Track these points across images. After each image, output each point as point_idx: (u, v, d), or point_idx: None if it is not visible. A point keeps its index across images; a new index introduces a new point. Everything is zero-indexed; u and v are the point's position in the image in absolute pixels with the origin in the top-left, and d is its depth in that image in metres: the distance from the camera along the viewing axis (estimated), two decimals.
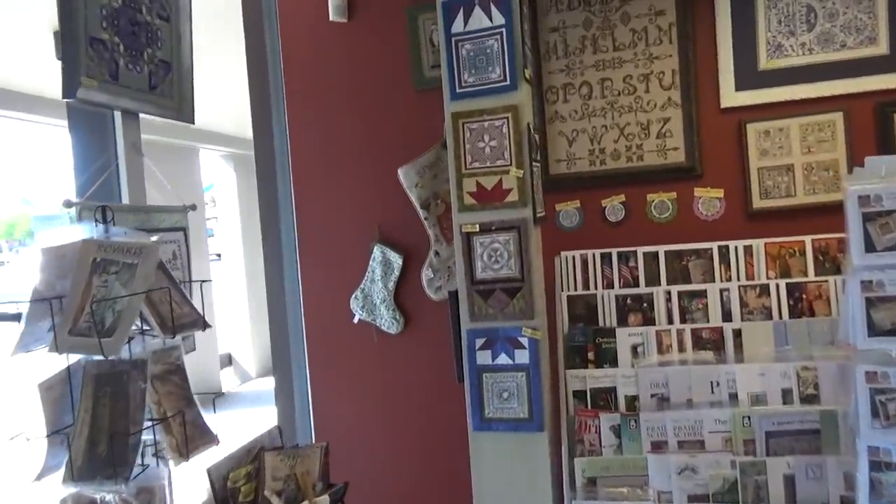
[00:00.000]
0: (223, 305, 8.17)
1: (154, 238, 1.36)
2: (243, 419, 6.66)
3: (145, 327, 1.30)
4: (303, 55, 2.61)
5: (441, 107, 2.02)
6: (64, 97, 1.53)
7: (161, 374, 1.30)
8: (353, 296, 2.56)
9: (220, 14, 3.53)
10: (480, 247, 1.98)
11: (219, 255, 8.54)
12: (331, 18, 2.51)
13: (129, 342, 1.23)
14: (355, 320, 2.57)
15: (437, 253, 2.43)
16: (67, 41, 1.51)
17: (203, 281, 1.46)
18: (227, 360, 8.37)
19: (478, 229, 1.97)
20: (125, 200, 1.69)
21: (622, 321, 2.13)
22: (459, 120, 1.99)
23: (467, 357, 2.00)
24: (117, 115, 1.70)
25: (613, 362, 2.08)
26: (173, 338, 1.25)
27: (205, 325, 1.34)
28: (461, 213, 1.99)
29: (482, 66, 1.96)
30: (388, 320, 2.51)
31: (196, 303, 1.41)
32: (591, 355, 2.11)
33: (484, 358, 1.98)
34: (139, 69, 1.73)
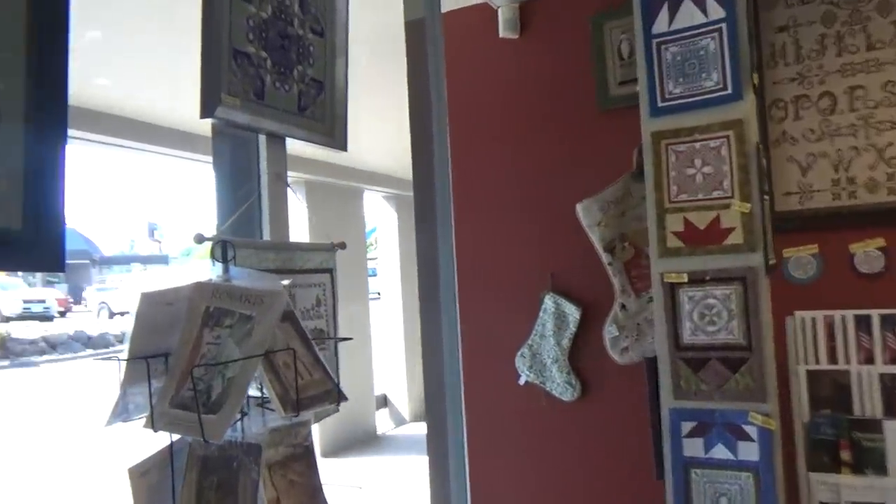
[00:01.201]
0: (380, 345, 8.15)
1: (285, 282, 1.08)
2: (397, 467, 6.44)
3: (265, 395, 1.01)
4: (468, 78, 2.34)
5: (630, 129, 1.63)
6: (202, 116, 1.33)
7: (283, 461, 1.00)
8: (520, 353, 2.18)
9: (384, 53, 3.42)
10: (689, 302, 1.52)
11: (378, 294, 8.60)
12: (500, 35, 2.22)
13: (241, 419, 0.94)
14: (521, 381, 2.18)
15: (623, 306, 1.99)
16: (209, 53, 1.32)
17: (341, 339, 1.16)
18: (383, 402, 8.30)
19: (686, 280, 1.53)
20: (266, 236, 1.47)
21: (891, 411, 1.55)
22: (662, 141, 1.57)
23: (670, 446, 1.53)
24: (261, 139, 1.50)
25: (880, 468, 1.51)
26: (297, 415, 0.95)
27: (339, 398, 1.02)
28: (663, 258, 1.56)
29: (693, 72, 1.54)
30: (560, 384, 2.10)
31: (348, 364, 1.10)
32: (845, 455, 1.55)
33: (693, 449, 1.51)
34: (287, 88, 1.51)
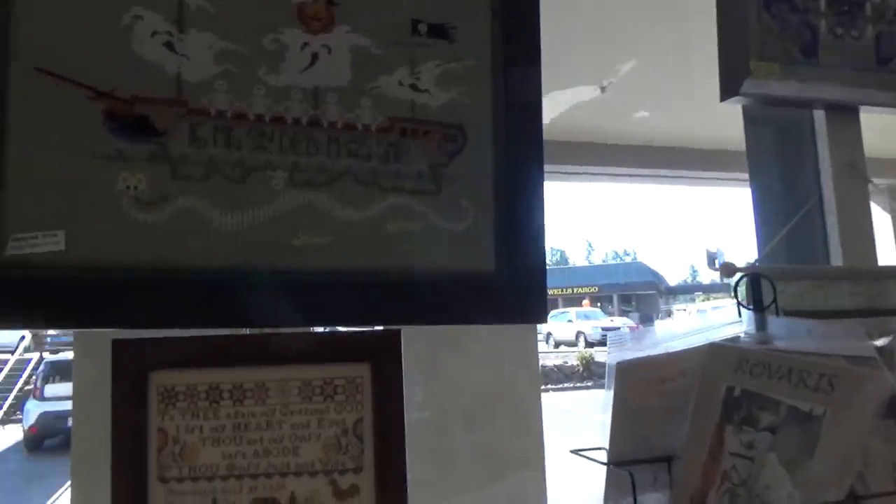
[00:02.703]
0: None
1: (881, 342, 0.60)
2: None
3: None
4: None
5: None
6: (723, 98, 0.96)
7: None
8: None
9: None
10: None
11: None
12: None
13: None
14: None
15: None
16: (727, 6, 0.94)
17: None
18: None
19: None
20: (836, 259, 0.97)
21: None
22: None
23: None
24: (818, 116, 1.02)
25: None
26: None
27: None
28: None
29: None
30: None
31: None
32: None
33: None
34: (856, 33, 1.00)
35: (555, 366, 14.41)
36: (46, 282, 0.60)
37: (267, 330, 0.69)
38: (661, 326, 0.63)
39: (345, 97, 0.72)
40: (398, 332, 0.68)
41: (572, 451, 0.63)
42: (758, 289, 0.62)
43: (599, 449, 0.64)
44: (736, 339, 0.60)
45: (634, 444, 0.58)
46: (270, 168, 0.68)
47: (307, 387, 0.66)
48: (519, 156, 0.80)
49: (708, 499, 0.54)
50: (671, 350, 0.58)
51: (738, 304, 0.61)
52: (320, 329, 0.71)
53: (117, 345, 0.65)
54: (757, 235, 1.09)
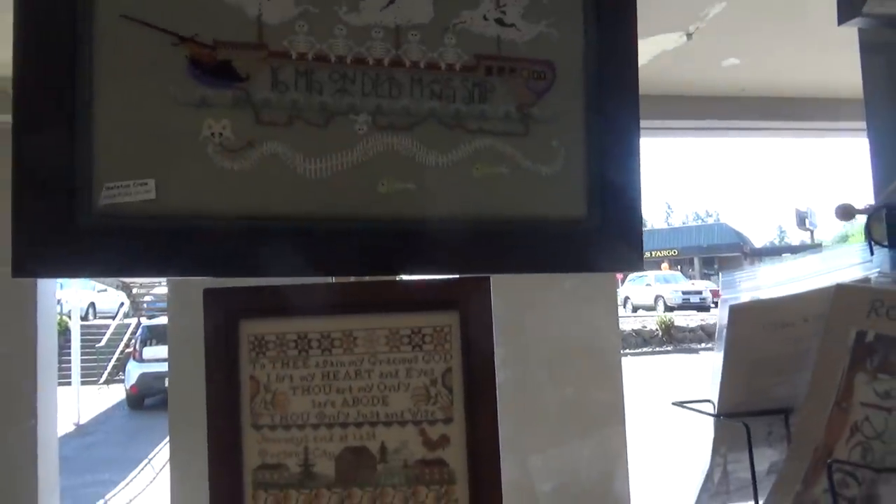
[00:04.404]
0: None
1: None
2: None
3: None
4: None
5: None
6: (840, 21, 0.86)
7: None
8: None
9: None
10: None
11: None
12: None
13: None
14: None
15: None
16: None
17: None
18: None
19: None
20: None
21: None
22: None
23: None
24: None
25: None
26: None
27: None
28: None
29: None
30: None
31: None
32: None
33: None
34: None
35: (633, 330, 14.11)
36: (138, 231, 0.61)
37: (353, 278, 0.68)
38: (780, 267, 0.57)
39: (427, 35, 0.69)
40: (487, 279, 0.66)
41: (675, 403, 0.59)
42: (894, 224, 0.55)
43: (705, 401, 0.60)
44: (867, 280, 0.53)
45: (748, 394, 0.53)
46: (353, 112, 0.66)
47: (394, 336, 0.65)
48: (613, 93, 0.75)
49: (835, 452, 0.49)
50: (792, 292, 0.53)
51: (871, 241, 0.55)
52: (407, 277, 0.69)
53: (208, 294, 0.65)
54: (873, 179, 0.99)
